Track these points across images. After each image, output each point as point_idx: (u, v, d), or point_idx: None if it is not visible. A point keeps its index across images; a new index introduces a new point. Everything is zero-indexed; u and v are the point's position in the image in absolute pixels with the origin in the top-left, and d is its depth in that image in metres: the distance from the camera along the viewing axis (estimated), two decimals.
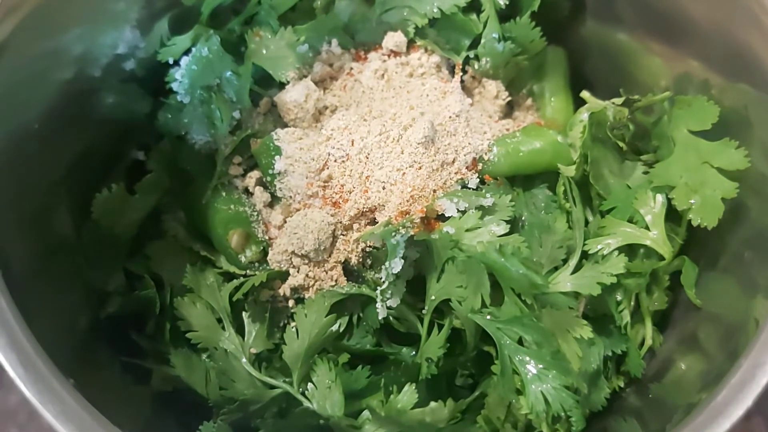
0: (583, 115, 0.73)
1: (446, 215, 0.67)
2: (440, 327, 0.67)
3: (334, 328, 0.64)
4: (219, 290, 0.73)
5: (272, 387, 0.69)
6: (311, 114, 0.76)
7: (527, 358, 0.62)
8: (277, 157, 0.72)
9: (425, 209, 0.67)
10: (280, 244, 0.72)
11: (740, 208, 0.67)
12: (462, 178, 0.71)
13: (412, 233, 0.65)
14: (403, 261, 0.65)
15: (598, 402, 0.68)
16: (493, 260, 0.62)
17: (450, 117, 0.72)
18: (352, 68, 0.79)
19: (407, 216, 0.67)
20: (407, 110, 0.73)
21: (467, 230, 0.66)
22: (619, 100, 0.75)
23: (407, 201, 0.69)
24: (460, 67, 0.79)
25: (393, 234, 0.65)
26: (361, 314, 0.71)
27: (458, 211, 0.67)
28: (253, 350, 0.71)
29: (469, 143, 0.72)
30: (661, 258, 0.70)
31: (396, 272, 0.65)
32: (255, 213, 0.75)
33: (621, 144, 0.74)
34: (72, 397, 0.53)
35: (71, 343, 0.66)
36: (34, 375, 0.52)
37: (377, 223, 0.70)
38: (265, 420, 0.68)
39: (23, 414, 0.85)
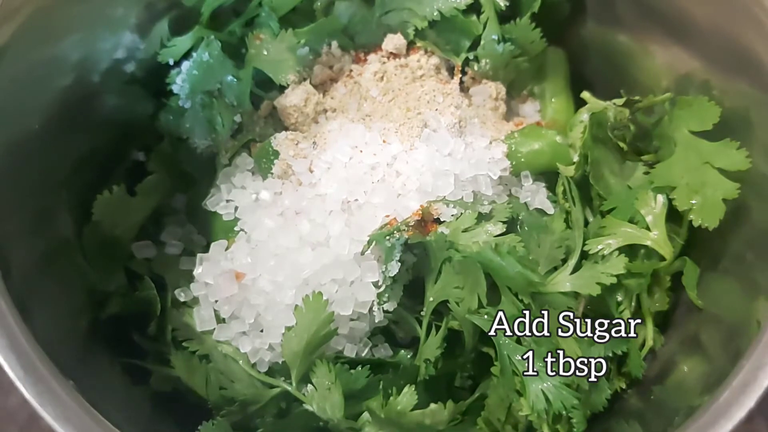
0: (584, 115, 0.73)
1: (442, 219, 0.68)
2: (438, 329, 0.68)
3: (332, 326, 0.65)
4: None
5: (271, 386, 0.69)
6: (311, 118, 0.76)
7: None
8: (275, 161, 0.73)
9: (421, 212, 0.67)
10: None
11: (741, 209, 0.67)
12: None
13: (407, 236, 0.65)
14: (399, 264, 0.65)
15: (599, 403, 0.68)
16: (489, 259, 0.62)
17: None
18: (351, 70, 0.79)
19: (404, 219, 0.68)
20: (405, 112, 0.74)
21: (464, 231, 0.66)
22: (619, 101, 0.75)
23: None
24: (460, 68, 0.79)
25: (388, 237, 0.65)
26: None
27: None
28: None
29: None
30: (662, 258, 0.69)
31: (393, 275, 0.65)
32: None
33: (622, 144, 0.74)
34: (72, 399, 0.53)
35: (71, 344, 0.66)
36: (34, 376, 0.52)
37: None
38: (265, 420, 0.68)
39: (23, 415, 0.85)
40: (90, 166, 0.74)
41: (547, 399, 0.62)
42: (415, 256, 0.68)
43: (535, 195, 0.73)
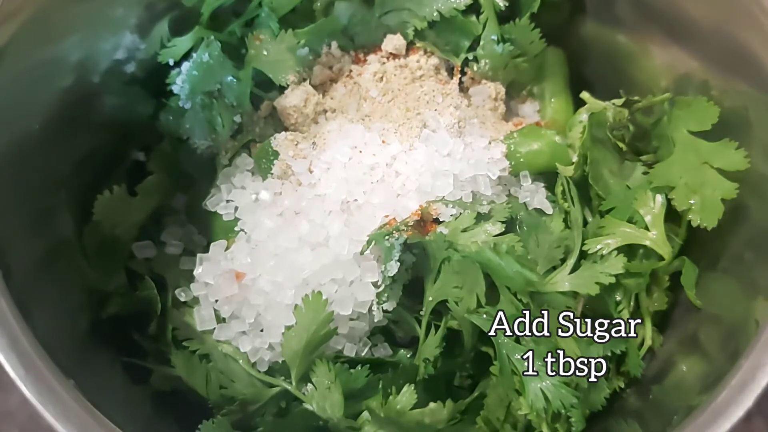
0: (583, 115, 0.73)
1: (441, 219, 0.68)
2: (438, 329, 0.68)
3: (332, 326, 0.65)
4: None
5: (271, 386, 0.69)
6: (311, 118, 0.76)
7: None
8: (275, 162, 0.73)
9: (420, 212, 0.68)
10: None
11: (740, 209, 0.67)
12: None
13: (406, 236, 0.65)
14: (398, 264, 0.65)
15: (598, 402, 0.68)
16: (488, 259, 0.63)
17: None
18: (351, 70, 0.79)
19: (403, 219, 0.68)
20: (404, 112, 0.74)
21: (462, 231, 0.66)
22: (619, 101, 0.75)
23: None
24: (459, 69, 0.79)
25: (387, 237, 0.65)
26: None
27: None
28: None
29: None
30: (661, 258, 0.70)
31: (392, 275, 0.65)
32: None
33: (621, 144, 0.74)
34: (72, 398, 0.53)
35: (72, 343, 0.66)
36: (34, 376, 0.53)
37: None
38: (265, 419, 0.68)
39: (23, 415, 0.85)
40: (90, 166, 0.75)
41: (546, 398, 0.62)
42: (415, 256, 0.68)
43: (534, 195, 0.73)
